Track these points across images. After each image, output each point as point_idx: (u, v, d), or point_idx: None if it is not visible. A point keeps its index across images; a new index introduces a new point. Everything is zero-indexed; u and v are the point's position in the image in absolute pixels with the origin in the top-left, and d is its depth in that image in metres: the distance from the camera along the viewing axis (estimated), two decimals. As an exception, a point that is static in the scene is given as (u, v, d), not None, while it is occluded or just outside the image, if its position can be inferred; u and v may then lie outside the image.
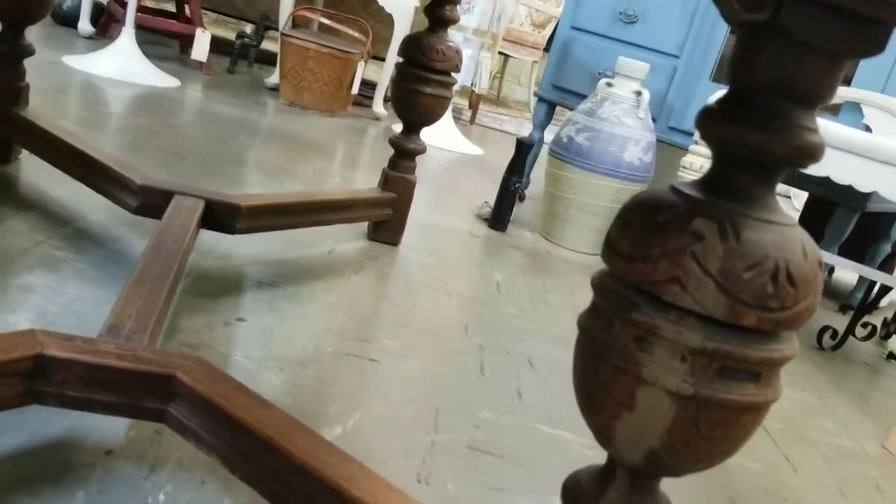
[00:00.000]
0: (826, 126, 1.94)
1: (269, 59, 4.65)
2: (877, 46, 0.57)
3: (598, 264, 2.54)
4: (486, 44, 4.41)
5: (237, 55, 4.23)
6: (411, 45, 1.88)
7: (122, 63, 3.26)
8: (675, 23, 2.87)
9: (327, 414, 1.24)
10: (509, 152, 2.73)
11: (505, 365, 1.59)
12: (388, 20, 3.93)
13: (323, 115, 3.78)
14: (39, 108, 2.41)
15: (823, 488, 1.46)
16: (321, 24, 4.21)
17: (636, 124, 2.54)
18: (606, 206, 2.55)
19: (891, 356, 2.42)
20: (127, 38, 3.34)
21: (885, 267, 2.43)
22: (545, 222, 2.73)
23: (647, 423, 0.59)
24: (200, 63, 3.86)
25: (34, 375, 0.91)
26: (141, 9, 3.47)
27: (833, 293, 3.18)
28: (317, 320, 1.54)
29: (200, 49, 3.65)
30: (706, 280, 0.55)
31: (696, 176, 1.95)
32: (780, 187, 5.25)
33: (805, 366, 2.14)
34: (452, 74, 1.94)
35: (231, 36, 4.91)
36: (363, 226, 2.12)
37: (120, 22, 3.44)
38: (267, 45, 4.98)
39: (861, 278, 2.82)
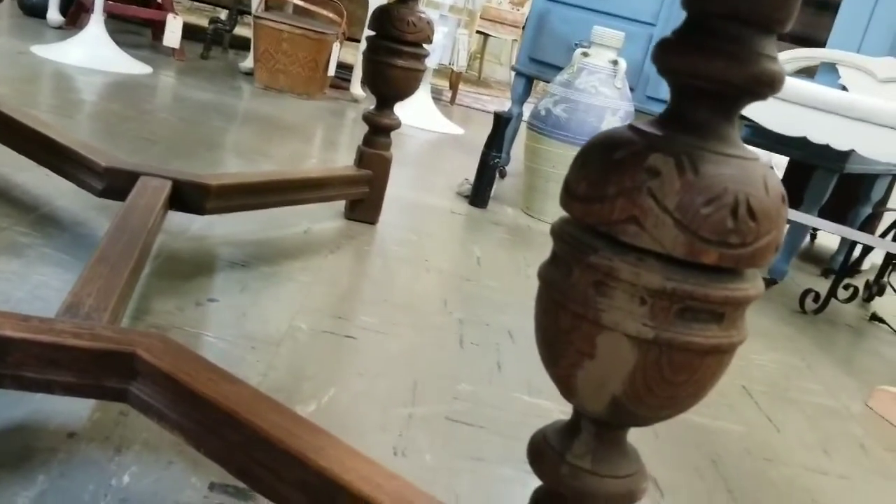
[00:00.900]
0: (802, 86, 1.91)
1: (243, 45, 4.59)
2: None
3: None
4: (462, 21, 4.37)
5: (211, 41, 4.18)
6: (381, 17, 1.84)
7: (92, 51, 3.21)
8: (650, -9, 2.84)
9: (301, 391, 1.21)
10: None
11: (485, 337, 1.57)
12: (362, 1, 3.89)
13: (299, 98, 3.74)
14: (6, 96, 2.37)
15: (807, 448, 1.45)
16: (295, 7, 4.15)
17: (613, 94, 2.51)
18: (586, 178, 2.52)
19: (874, 318, 2.41)
20: (96, 25, 3.29)
21: (865, 228, 2.42)
22: (525, 197, 2.71)
23: (609, 370, 0.57)
24: (173, 49, 3.81)
25: (-12, 357, 0.88)
26: (110, -4, 3.41)
27: (815, 258, 3.18)
28: (292, 299, 1.51)
29: (172, 35, 3.60)
30: (664, 217, 0.53)
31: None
32: (763, 157, 5.25)
33: (788, 329, 2.12)
34: (425, 47, 1.90)
35: (205, 23, 4.85)
36: (340, 205, 2.09)
37: (89, 10, 3.38)
38: (241, 30, 4.92)
39: (843, 241, 2.81)
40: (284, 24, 3.64)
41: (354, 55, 4.15)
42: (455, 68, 4.55)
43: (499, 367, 1.45)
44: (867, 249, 2.51)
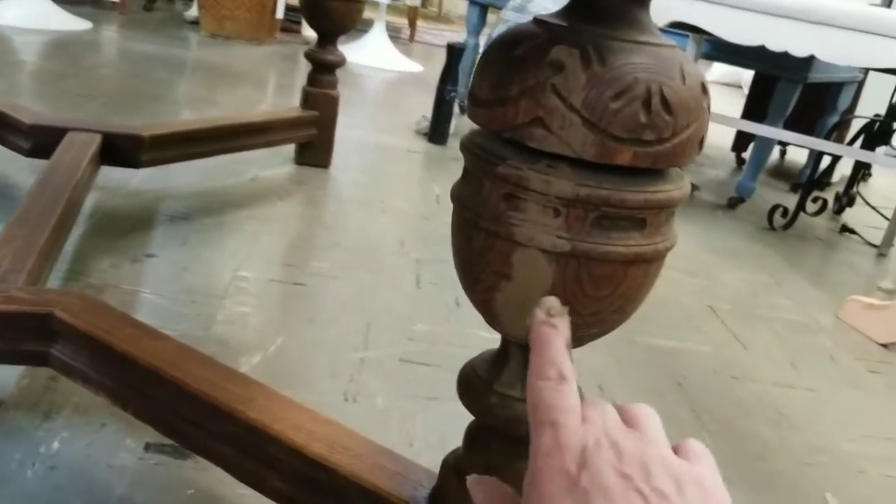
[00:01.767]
0: (758, -7, 1.84)
1: (191, -5, 4.44)
2: None
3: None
4: (415, -44, 4.23)
5: (155, -7, 4.03)
6: (314, -51, 1.75)
7: (27, 10, 3.07)
8: None
9: (246, 343, 1.16)
10: (449, 65, 2.61)
11: (442, 276, 1.52)
12: (308, -61, 3.73)
13: (249, 44, 3.61)
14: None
15: (775, 363, 1.42)
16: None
17: (568, 17, 2.43)
18: (546, 107, 2.45)
19: (844, 229, 2.38)
20: (31, -17, 3.14)
21: (832, 138, 2.37)
22: (486, 131, 2.64)
23: (527, 289, 0.52)
24: (114, 3, 3.66)
25: None
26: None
27: (786, 174, 3.14)
28: (237, 250, 1.45)
29: (113, -12, 3.45)
30: (571, 116, 0.47)
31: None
32: (731, 78, 5.17)
33: (756, 247, 2.09)
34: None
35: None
36: (290, 150, 2.01)
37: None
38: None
39: (810, 154, 2.77)
40: (228, -32, 3.50)
41: (305, -3, 4.01)
42: (410, 3, 4.42)
43: (457, 303, 1.41)
44: (836, 160, 2.47)
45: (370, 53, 3.67)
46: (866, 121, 2.29)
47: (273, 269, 1.41)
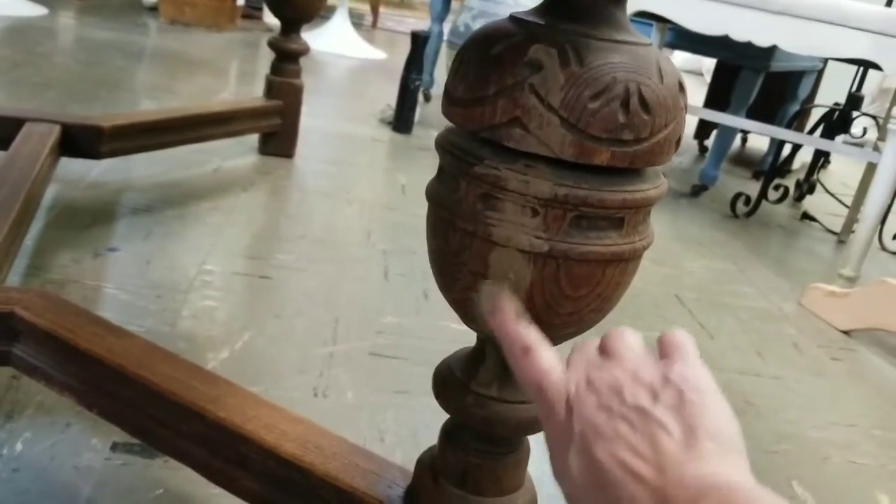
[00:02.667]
0: (721, -17, 1.86)
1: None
2: None
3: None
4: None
5: (112, -23, 3.93)
6: (276, -65, 1.72)
7: (-22, -5, 2.99)
8: None
9: (212, 338, 1.14)
10: (412, 52, 2.59)
11: (410, 267, 1.51)
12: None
13: (209, 31, 3.56)
14: None
15: (740, 351, 1.44)
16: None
17: (534, 4, 2.42)
18: (511, 95, 2.45)
19: (805, 216, 2.42)
20: (-20, -33, 3.06)
21: (793, 126, 2.40)
22: (451, 119, 2.63)
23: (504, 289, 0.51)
24: (70, -12, 3.58)
25: None
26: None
27: (747, 161, 3.18)
28: (200, 243, 1.43)
29: (68, -27, 3.37)
30: (549, 116, 0.47)
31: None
32: (692, 64, 5.21)
33: (719, 235, 2.11)
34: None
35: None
36: (253, 140, 1.98)
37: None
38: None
39: (772, 142, 2.80)
40: (187, -48, 3.44)
41: (266, -17, 3.96)
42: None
43: (425, 295, 1.40)
44: (797, 148, 2.50)
45: (333, 40, 3.64)
46: (826, 110, 2.32)
47: (238, 262, 1.39)
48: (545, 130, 0.47)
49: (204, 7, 3.51)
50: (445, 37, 2.90)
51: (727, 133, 2.48)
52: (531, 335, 0.44)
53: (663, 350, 0.43)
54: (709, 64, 4.53)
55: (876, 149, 2.20)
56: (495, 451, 0.61)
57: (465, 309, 0.56)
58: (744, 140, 3.42)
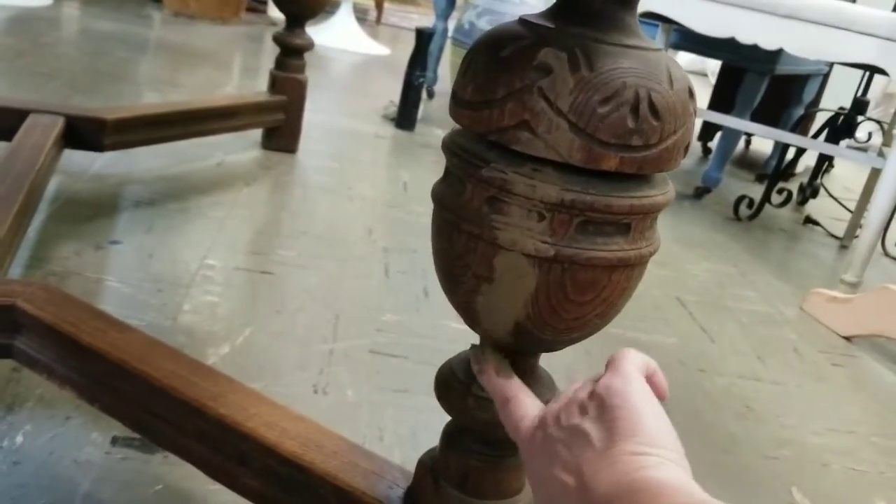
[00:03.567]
0: (728, -15, 1.85)
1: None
2: None
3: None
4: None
5: (117, -32, 3.92)
6: (283, -70, 1.72)
7: (-17, -16, 2.98)
8: None
9: (214, 333, 1.14)
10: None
11: (411, 265, 1.51)
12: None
13: (213, 23, 3.55)
14: None
15: (741, 355, 1.44)
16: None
17: (540, 3, 2.42)
18: (515, 94, 2.44)
19: (808, 220, 2.42)
20: (-14, -44, 3.05)
21: (798, 130, 2.40)
22: (455, 117, 2.62)
23: (509, 293, 0.51)
24: (75, -21, 3.57)
25: None
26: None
27: (750, 164, 3.17)
28: (203, 237, 1.43)
29: (73, -37, 3.36)
30: (558, 120, 0.47)
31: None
32: (697, 66, 5.21)
33: (722, 237, 2.11)
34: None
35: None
36: (256, 135, 1.98)
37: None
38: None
39: (776, 145, 2.80)
40: (193, -55, 3.43)
41: (272, -23, 3.95)
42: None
43: (426, 293, 1.40)
44: (801, 152, 2.50)
45: (337, 35, 3.63)
46: (831, 114, 2.32)
47: (240, 257, 1.39)
48: (553, 134, 0.47)
49: (209, 0, 3.51)
50: (450, 34, 2.90)
51: (731, 135, 2.48)
52: (512, 387, 0.51)
53: (606, 368, 0.49)
54: (713, 65, 4.53)
55: (880, 154, 2.20)
56: (496, 453, 0.61)
57: (469, 311, 0.55)
58: (747, 143, 3.41)
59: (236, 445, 0.74)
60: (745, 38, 1.81)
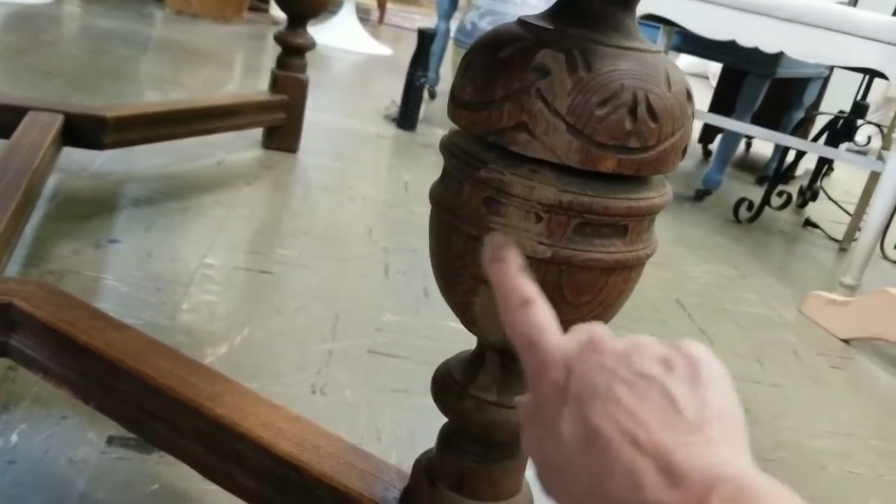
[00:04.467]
0: (730, -12, 1.85)
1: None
2: None
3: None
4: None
5: (119, -33, 3.92)
6: (284, -71, 1.72)
7: (-15, -19, 2.98)
8: None
9: (212, 332, 1.14)
10: (418, 49, 2.59)
11: (411, 265, 1.51)
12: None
13: (215, 22, 3.55)
14: None
15: (740, 358, 1.44)
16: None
17: (541, 4, 2.42)
18: (516, 95, 2.44)
19: (807, 223, 2.41)
20: (-12, -47, 3.05)
21: (798, 133, 2.40)
22: (455, 117, 2.62)
23: (506, 296, 0.51)
24: (77, -23, 3.57)
25: None
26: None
27: (751, 166, 3.17)
28: (202, 236, 1.43)
29: (74, -39, 3.36)
30: (555, 122, 0.47)
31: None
32: (698, 68, 5.20)
33: (721, 240, 2.11)
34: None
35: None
36: (257, 134, 1.98)
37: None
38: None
39: (776, 148, 2.80)
40: (195, -56, 3.43)
41: (274, -24, 3.95)
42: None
43: (426, 293, 1.40)
44: (801, 155, 2.50)
45: (339, 35, 3.63)
46: (831, 117, 2.32)
47: (239, 257, 1.39)
48: (551, 136, 0.47)
49: (211, -2, 3.51)
50: (452, 34, 2.89)
51: (732, 138, 2.47)
52: (533, 290, 0.39)
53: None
54: (714, 68, 4.52)
55: (880, 157, 2.20)
56: (493, 455, 0.61)
57: (466, 313, 0.55)
58: (748, 145, 3.41)
59: (232, 445, 0.74)
60: (746, 41, 1.81)
